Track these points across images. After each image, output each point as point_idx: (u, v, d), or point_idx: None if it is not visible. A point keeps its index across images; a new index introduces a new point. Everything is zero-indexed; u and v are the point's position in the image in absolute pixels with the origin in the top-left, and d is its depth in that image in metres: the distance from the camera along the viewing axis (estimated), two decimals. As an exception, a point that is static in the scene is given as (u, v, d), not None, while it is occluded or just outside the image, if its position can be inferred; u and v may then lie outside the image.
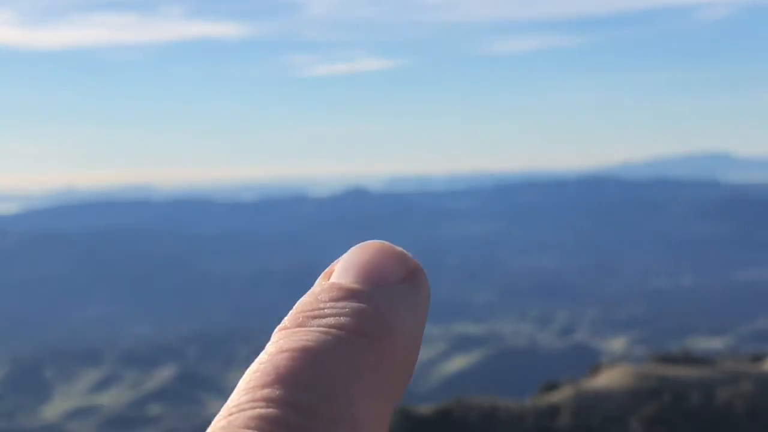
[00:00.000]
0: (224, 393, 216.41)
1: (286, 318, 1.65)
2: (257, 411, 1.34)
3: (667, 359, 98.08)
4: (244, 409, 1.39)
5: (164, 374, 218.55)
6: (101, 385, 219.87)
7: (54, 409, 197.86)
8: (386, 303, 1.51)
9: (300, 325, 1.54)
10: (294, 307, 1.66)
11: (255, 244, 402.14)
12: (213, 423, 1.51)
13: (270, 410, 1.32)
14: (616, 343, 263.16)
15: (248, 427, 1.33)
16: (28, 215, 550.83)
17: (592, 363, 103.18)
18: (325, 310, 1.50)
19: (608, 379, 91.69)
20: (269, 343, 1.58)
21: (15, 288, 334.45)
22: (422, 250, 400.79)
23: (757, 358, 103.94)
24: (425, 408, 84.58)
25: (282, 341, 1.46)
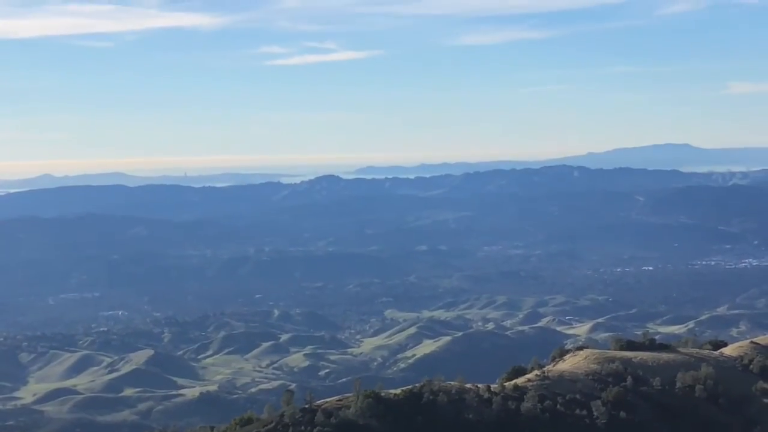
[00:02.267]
0: (198, 377, 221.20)
1: None
2: None
3: (630, 345, 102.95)
4: None
5: (139, 358, 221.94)
6: (77, 369, 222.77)
7: (30, 391, 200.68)
8: None
9: None
10: None
11: (228, 230, 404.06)
12: None
13: None
14: (581, 329, 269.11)
15: None
16: (4, 201, 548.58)
17: (558, 348, 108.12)
18: None
19: (573, 363, 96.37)
20: None
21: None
22: (393, 237, 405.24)
23: (718, 344, 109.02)
24: (396, 391, 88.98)
25: None
